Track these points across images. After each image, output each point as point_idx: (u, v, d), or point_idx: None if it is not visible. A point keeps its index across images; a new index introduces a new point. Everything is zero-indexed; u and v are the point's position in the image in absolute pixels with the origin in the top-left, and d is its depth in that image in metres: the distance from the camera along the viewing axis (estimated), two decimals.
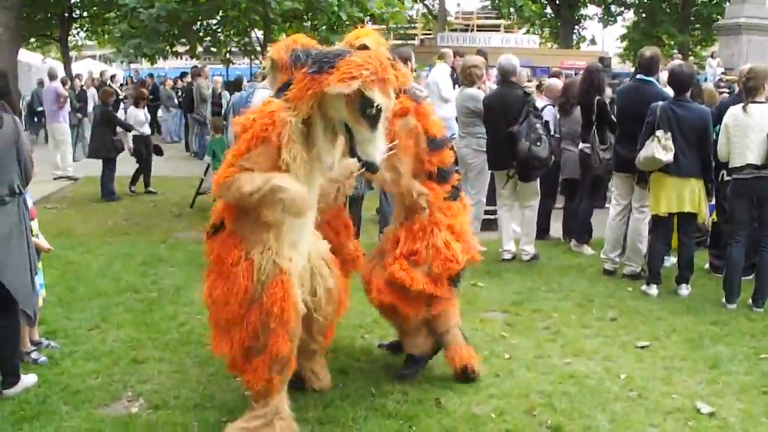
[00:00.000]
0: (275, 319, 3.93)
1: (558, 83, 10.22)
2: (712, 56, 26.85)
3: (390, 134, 4.57)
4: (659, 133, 6.92)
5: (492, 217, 9.43)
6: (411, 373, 5.17)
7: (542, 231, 9.68)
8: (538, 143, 7.99)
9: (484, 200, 9.29)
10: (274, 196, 3.81)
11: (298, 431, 4.26)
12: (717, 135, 7.15)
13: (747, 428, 4.59)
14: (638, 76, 7.82)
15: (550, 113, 9.40)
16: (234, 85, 13.98)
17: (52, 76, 15.68)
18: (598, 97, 8.49)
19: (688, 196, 7.07)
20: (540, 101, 9.61)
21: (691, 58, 31.27)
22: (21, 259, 4.76)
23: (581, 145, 8.84)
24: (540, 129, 8.10)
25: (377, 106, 3.81)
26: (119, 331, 6.08)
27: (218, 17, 13.16)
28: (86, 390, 4.93)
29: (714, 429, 4.58)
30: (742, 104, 6.89)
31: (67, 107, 15.45)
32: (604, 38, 47.47)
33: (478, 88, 9.00)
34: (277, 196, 3.80)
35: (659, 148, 6.90)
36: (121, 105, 20.09)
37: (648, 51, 7.79)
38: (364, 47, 4.15)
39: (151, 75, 28.35)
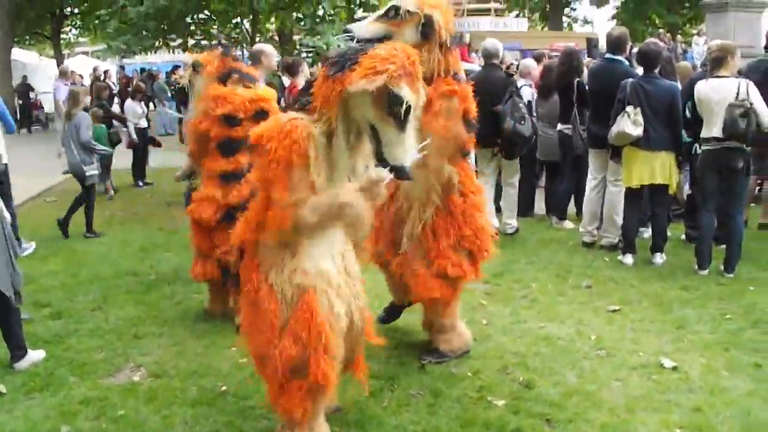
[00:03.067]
0: (310, 342, 3.64)
1: (532, 63, 10.54)
2: (698, 34, 27.07)
3: (433, 114, 4.60)
4: (629, 108, 7.25)
5: None
6: (433, 361, 5.22)
7: (527, 208, 10.05)
8: (522, 122, 8.35)
9: None
10: (342, 213, 3.50)
11: None
12: (687, 109, 7.51)
13: (707, 380, 4.93)
14: (607, 56, 8.16)
15: (527, 93, 9.73)
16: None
17: (62, 74, 15.96)
18: (577, 79, 8.82)
19: (659, 168, 7.39)
20: (518, 82, 9.94)
21: (679, 36, 31.45)
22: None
23: (560, 126, 9.15)
24: (523, 108, 8.47)
25: (406, 103, 3.39)
26: (120, 311, 6.43)
27: (207, 12, 13.41)
28: (91, 363, 5.30)
29: (676, 381, 4.92)
30: (705, 79, 7.24)
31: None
32: (595, 20, 47.89)
33: None
34: (345, 213, 3.49)
35: (629, 123, 7.23)
36: (115, 99, 20.45)
37: (615, 31, 8.15)
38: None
39: (143, 69, 28.62)
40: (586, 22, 43.40)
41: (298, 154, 3.46)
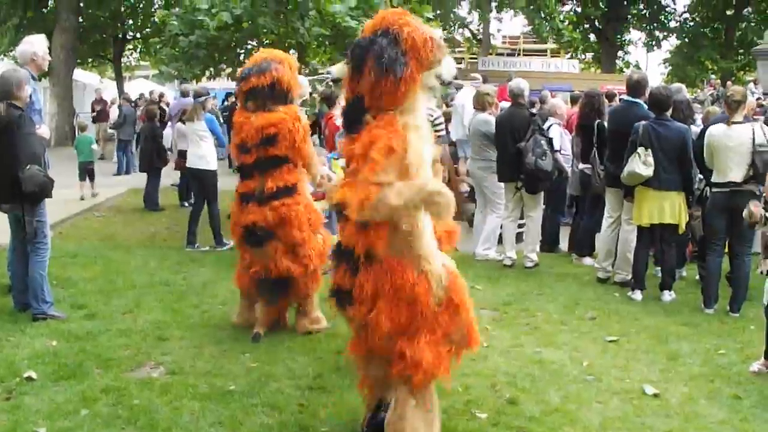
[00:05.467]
0: (468, 314, 4.18)
1: (560, 102, 10.97)
2: (754, 83, 26.99)
3: None
4: (640, 149, 7.59)
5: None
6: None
7: (552, 245, 10.38)
8: (543, 158, 8.84)
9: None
10: (432, 201, 3.83)
11: None
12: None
13: (685, 408, 5.21)
14: (625, 98, 8.51)
15: (556, 132, 10.09)
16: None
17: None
18: (598, 120, 9.17)
19: (668, 208, 7.69)
20: (548, 120, 10.34)
21: (729, 83, 31.38)
22: None
23: (581, 166, 9.51)
24: (545, 145, 8.94)
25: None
26: (149, 315, 6.92)
27: (255, 43, 13.99)
28: (116, 358, 5.78)
29: (654, 407, 5.22)
30: (720, 123, 7.51)
31: None
32: (648, 63, 48.12)
33: (490, 113, 9.86)
34: (435, 201, 3.82)
35: (640, 163, 7.56)
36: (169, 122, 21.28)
37: (635, 75, 8.53)
38: None
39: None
40: (637, 67, 43.44)
41: (399, 141, 3.88)
